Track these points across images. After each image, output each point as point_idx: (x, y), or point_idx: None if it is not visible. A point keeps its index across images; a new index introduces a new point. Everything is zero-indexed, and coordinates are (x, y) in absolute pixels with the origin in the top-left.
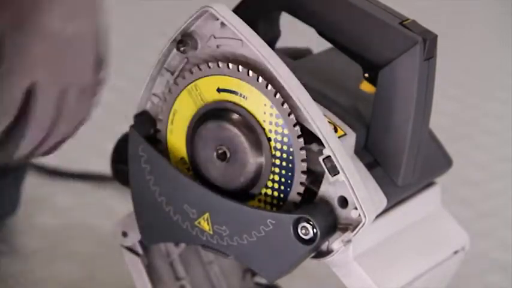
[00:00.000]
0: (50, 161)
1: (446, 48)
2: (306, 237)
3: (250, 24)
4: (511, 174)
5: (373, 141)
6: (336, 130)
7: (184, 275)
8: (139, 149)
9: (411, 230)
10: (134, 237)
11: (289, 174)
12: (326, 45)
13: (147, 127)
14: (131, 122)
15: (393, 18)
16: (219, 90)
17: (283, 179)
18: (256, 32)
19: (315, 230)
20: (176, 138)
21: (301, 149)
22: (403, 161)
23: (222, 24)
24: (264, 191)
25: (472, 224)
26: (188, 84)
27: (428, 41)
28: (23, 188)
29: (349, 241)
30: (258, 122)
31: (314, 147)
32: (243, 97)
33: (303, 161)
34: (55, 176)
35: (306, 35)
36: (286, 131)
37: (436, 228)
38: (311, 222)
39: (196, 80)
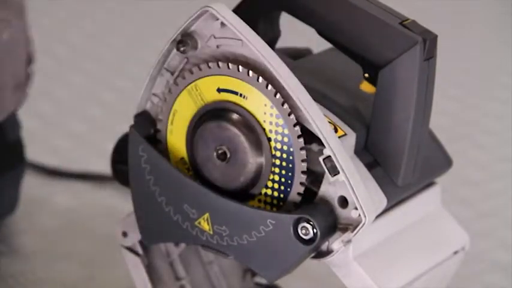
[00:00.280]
0: (50, 161)
1: (446, 48)
2: (306, 237)
3: (250, 24)
4: (511, 174)
5: (373, 141)
6: (336, 130)
7: (184, 275)
8: (139, 149)
9: (411, 230)
10: (134, 237)
11: (289, 174)
12: (326, 45)
13: (147, 127)
14: (131, 122)
15: (393, 18)
16: (219, 90)
17: (283, 179)
18: (256, 32)
19: (315, 230)
20: (176, 138)
21: (301, 149)
22: (403, 161)
23: (222, 24)
24: (264, 191)
25: (472, 224)
26: (188, 84)
27: (428, 41)
28: (21, 188)
29: (349, 241)
30: (258, 122)
31: (314, 147)
32: (243, 97)
33: (303, 161)
34: (55, 176)
35: (306, 35)
36: (286, 131)
37: (436, 228)
38: (311, 222)
39: (196, 80)
